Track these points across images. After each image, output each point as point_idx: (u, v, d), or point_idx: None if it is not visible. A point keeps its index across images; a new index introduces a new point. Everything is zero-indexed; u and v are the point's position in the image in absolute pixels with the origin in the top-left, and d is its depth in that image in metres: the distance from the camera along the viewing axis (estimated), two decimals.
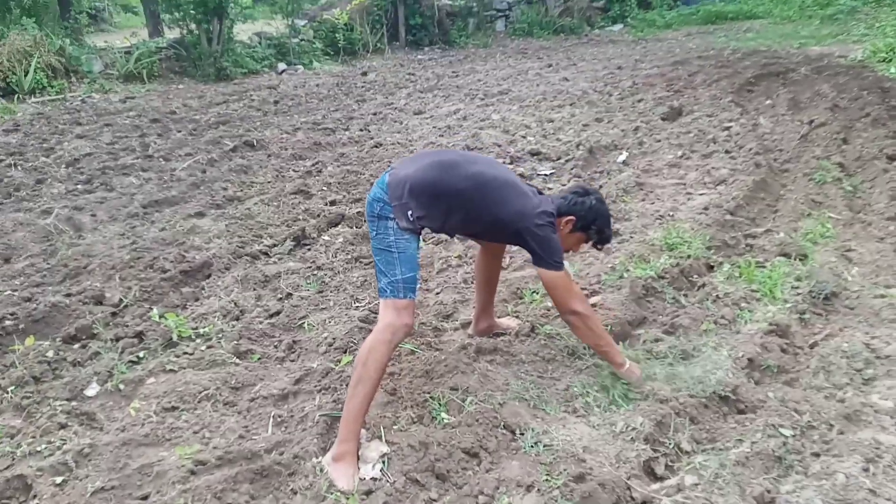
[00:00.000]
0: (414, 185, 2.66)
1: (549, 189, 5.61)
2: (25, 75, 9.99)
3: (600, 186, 5.78)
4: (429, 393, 2.92)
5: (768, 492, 2.28)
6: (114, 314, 3.76)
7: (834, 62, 10.44)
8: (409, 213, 2.64)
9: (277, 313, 3.83)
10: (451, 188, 2.68)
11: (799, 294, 3.67)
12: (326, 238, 4.95)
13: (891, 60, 9.71)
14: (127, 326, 3.62)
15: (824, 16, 15.80)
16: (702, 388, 2.85)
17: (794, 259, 4.09)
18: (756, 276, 3.88)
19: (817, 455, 2.51)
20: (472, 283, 3.98)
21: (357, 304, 3.93)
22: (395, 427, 2.71)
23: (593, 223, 2.91)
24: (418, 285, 2.73)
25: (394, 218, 2.64)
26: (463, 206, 2.71)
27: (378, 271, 2.67)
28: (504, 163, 6.39)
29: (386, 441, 2.61)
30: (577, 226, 2.89)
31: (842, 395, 2.85)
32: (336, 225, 5.19)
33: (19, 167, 6.52)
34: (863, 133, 6.44)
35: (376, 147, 7.36)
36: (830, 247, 4.26)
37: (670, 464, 2.53)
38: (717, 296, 3.73)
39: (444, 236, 4.71)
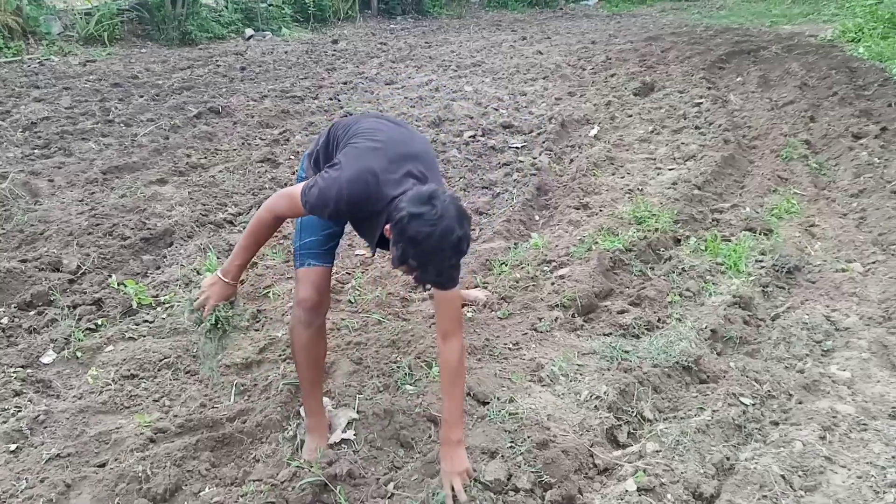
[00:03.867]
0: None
1: (520, 161, 5.57)
2: None
3: (571, 160, 5.77)
4: (395, 362, 2.90)
5: (727, 458, 2.32)
6: (71, 281, 3.65)
7: (804, 41, 10.55)
8: (311, 154, 2.52)
9: (241, 282, 3.75)
10: (342, 123, 2.40)
11: (763, 267, 3.72)
12: None
13: (859, 40, 9.86)
14: (85, 293, 3.52)
15: None
16: (665, 357, 2.88)
17: (759, 234, 4.15)
18: (721, 249, 3.92)
19: (776, 423, 2.56)
20: None
21: None
22: (360, 395, 2.69)
23: (403, 246, 1.89)
24: (324, 249, 2.38)
25: (305, 177, 2.44)
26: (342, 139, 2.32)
27: None
28: (475, 135, 6.34)
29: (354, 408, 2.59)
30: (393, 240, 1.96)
31: (801, 366, 2.91)
32: None
33: None
34: (830, 111, 6.54)
35: (346, 117, 7.22)
36: (795, 222, 4.32)
37: (633, 431, 2.56)
38: (682, 268, 3.76)
39: None
